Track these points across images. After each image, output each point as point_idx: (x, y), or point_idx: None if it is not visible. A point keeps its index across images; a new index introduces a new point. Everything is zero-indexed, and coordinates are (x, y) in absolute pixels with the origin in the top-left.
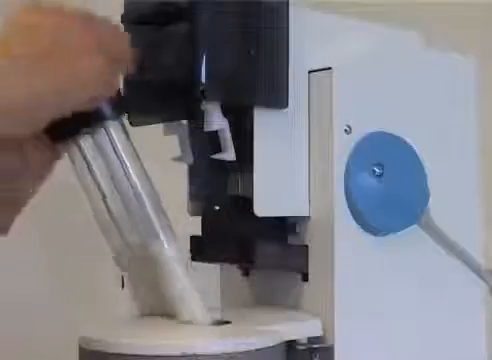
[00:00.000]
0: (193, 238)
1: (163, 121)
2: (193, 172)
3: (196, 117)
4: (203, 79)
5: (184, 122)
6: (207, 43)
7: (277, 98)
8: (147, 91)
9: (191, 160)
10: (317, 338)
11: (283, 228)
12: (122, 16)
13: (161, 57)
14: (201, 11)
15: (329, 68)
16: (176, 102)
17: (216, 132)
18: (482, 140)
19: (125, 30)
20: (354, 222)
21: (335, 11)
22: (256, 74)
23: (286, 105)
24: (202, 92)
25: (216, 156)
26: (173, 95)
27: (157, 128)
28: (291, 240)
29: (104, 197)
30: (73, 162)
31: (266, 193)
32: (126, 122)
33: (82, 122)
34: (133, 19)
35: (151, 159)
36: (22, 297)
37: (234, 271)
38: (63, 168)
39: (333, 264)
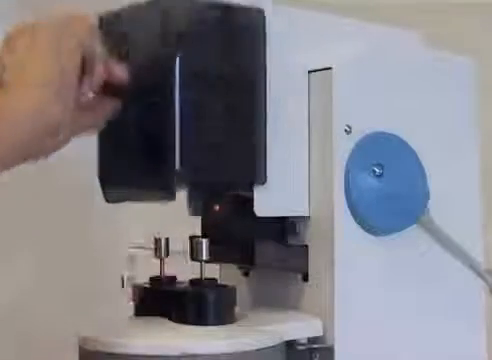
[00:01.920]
0: (193, 238)
1: (139, 201)
2: None
3: (170, 199)
4: (177, 165)
5: None
6: (184, 126)
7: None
8: (122, 167)
9: None
10: (317, 338)
11: (283, 228)
12: None
13: (137, 132)
14: (177, 90)
15: (329, 68)
16: (150, 182)
17: None
18: (482, 140)
19: None
20: (354, 222)
21: (335, 11)
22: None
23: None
24: (175, 176)
25: None
26: (147, 173)
27: None
28: (291, 240)
29: None
30: None
31: (266, 193)
32: None
33: None
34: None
35: None
36: (22, 297)
37: (234, 271)
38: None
39: (333, 264)
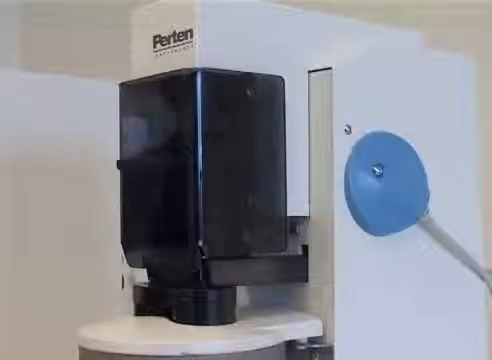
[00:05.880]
0: None
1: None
2: None
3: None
4: (200, 242)
5: None
6: (207, 200)
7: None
8: (145, 234)
9: None
10: (317, 338)
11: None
12: (118, 162)
13: (159, 202)
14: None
15: (329, 68)
16: (173, 253)
17: None
18: (482, 140)
19: (121, 172)
20: (354, 222)
21: (335, 11)
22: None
23: (285, 248)
24: (200, 249)
25: None
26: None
27: None
28: (291, 240)
29: None
30: None
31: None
32: None
33: None
34: (129, 164)
35: None
36: (22, 297)
37: None
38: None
39: (333, 264)
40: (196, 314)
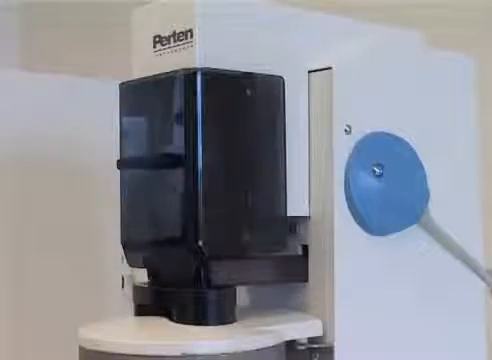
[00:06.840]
0: None
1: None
2: None
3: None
4: (200, 242)
5: None
6: (208, 199)
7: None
8: (146, 233)
9: None
10: (317, 338)
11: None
12: (118, 162)
13: (157, 202)
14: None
15: (329, 68)
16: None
17: None
18: (482, 140)
19: (121, 172)
20: (354, 222)
21: (335, 11)
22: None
23: (285, 248)
24: (200, 249)
25: None
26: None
27: None
28: (291, 240)
29: None
30: None
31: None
32: None
33: None
34: (129, 164)
35: None
36: (22, 296)
37: None
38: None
39: (333, 264)
40: (196, 314)
